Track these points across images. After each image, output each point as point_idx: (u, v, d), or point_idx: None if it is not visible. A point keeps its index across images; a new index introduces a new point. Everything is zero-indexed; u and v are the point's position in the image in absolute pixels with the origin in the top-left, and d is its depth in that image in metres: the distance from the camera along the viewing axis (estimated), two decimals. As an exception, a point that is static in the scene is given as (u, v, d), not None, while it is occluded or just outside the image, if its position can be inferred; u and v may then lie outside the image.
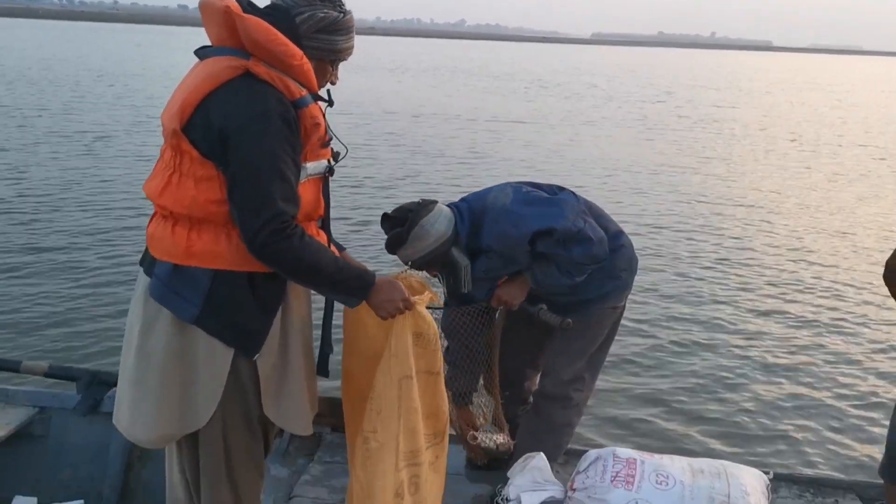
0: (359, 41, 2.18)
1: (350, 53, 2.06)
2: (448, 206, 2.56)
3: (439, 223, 2.45)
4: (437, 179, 11.18)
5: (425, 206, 2.47)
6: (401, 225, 2.44)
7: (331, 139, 2.02)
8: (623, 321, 2.85)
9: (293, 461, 2.94)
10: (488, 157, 13.39)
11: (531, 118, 19.96)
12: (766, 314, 6.24)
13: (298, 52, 1.88)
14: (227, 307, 1.94)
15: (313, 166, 1.97)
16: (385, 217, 2.50)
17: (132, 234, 7.38)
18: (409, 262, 2.51)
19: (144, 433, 2.03)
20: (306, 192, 1.96)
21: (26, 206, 8.38)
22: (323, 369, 2.28)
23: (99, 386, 3.02)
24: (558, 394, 2.65)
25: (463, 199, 2.65)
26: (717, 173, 12.76)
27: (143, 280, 2.01)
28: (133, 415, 2.03)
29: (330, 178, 2.07)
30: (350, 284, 2.02)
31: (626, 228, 2.79)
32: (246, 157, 1.82)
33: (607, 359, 2.87)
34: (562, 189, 2.64)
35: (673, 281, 6.94)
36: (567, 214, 2.46)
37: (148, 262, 2.00)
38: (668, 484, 2.38)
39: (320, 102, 2.00)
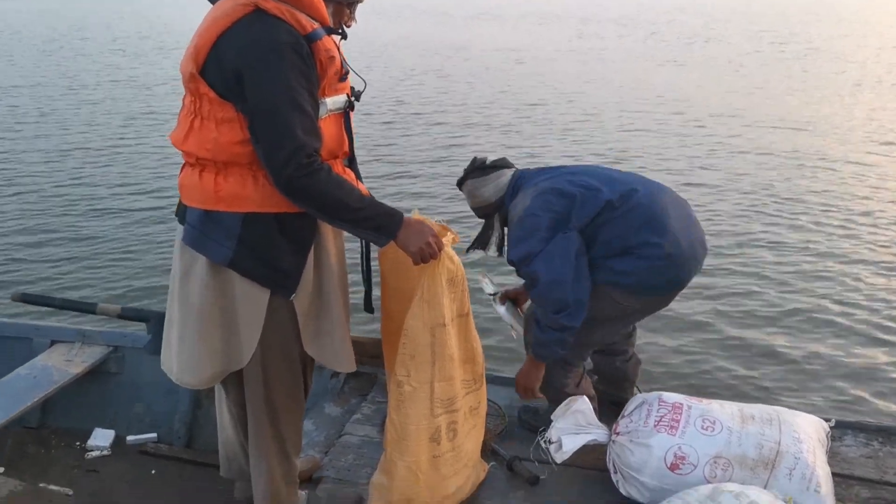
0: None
1: None
2: (516, 171, 2.67)
3: (486, 190, 2.62)
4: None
5: (485, 170, 2.64)
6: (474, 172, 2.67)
7: (347, 73, 1.99)
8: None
9: (347, 400, 3.02)
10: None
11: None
12: (841, 255, 5.86)
13: None
14: (260, 249, 1.96)
15: (332, 101, 1.95)
16: (473, 160, 2.71)
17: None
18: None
19: (191, 376, 2.09)
20: (328, 128, 1.95)
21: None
22: (367, 306, 2.30)
23: None
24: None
25: (533, 170, 2.69)
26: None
27: (179, 230, 2.06)
28: (179, 359, 2.10)
29: (351, 114, 2.05)
30: (378, 222, 1.98)
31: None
32: (262, 91, 1.81)
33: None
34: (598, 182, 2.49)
35: (740, 224, 6.66)
36: (532, 249, 2.42)
37: (181, 212, 2.04)
38: (713, 429, 2.30)
39: (334, 36, 1.97)
